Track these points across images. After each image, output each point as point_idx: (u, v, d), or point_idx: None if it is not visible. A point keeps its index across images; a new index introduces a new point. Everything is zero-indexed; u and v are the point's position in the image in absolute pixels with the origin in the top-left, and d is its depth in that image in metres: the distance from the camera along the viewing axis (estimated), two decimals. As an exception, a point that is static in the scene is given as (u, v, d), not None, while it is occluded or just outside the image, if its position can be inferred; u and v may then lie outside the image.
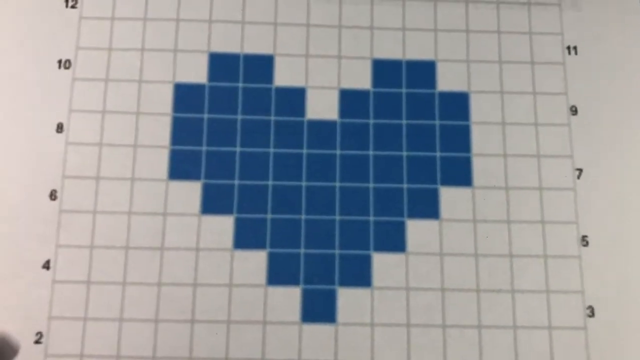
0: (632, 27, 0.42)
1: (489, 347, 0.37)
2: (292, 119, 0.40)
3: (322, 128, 0.40)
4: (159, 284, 0.38)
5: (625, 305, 0.38)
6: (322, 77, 0.41)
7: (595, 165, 0.40)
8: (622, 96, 0.41)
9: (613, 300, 0.38)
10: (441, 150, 0.40)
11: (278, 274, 0.38)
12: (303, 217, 0.39)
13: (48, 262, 0.38)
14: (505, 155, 0.40)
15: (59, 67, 0.40)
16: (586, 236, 0.39)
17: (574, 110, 0.41)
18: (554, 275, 0.39)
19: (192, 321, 0.37)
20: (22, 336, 0.37)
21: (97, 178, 0.39)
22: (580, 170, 0.40)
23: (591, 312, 0.38)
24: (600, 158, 0.40)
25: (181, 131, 0.40)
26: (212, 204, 0.39)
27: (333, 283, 0.38)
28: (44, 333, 0.37)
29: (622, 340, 0.38)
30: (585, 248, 0.39)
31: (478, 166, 0.40)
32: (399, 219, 0.39)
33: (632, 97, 0.41)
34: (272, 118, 0.40)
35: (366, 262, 0.38)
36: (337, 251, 0.38)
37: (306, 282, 0.38)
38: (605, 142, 0.41)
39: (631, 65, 0.42)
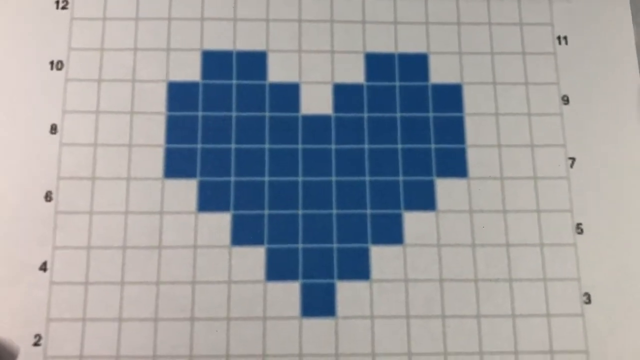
0: (621, 16, 0.43)
1: (488, 336, 0.38)
2: (286, 114, 0.40)
3: (316, 123, 0.40)
4: (158, 283, 0.38)
5: (621, 291, 0.38)
6: (316, 72, 0.41)
7: (588, 153, 0.41)
8: (613, 85, 0.42)
9: (609, 286, 0.39)
10: (436, 142, 0.40)
11: (277, 270, 0.38)
12: (300, 212, 0.39)
13: (45, 263, 0.38)
14: (499, 146, 0.40)
15: (52, 68, 0.40)
16: (580, 224, 0.39)
17: (565, 100, 0.41)
18: (551, 263, 0.39)
19: (192, 319, 0.37)
20: (20, 339, 0.36)
21: (93, 178, 0.39)
22: (573, 159, 0.40)
23: (587, 298, 0.38)
24: (592, 146, 0.41)
25: (176, 129, 0.40)
26: (208, 202, 0.39)
27: (332, 277, 0.38)
28: (43, 335, 0.37)
29: (618, 325, 0.38)
30: (580, 235, 0.39)
31: (473, 157, 0.40)
32: (395, 211, 0.39)
33: (622, 86, 0.42)
34: (267, 114, 0.40)
35: (364, 255, 0.38)
36: (335, 245, 0.38)
37: (305, 276, 0.38)
38: (597, 130, 0.41)
39: (620, 54, 0.42)
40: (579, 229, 0.39)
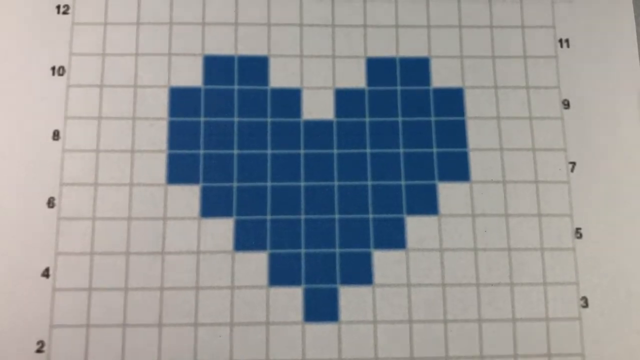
0: (623, 19, 0.43)
1: (489, 340, 0.38)
2: (288, 119, 0.40)
3: (318, 128, 0.40)
4: (161, 289, 0.38)
5: (618, 295, 0.39)
6: (317, 77, 0.41)
7: (588, 158, 0.41)
8: (614, 88, 0.42)
9: (606, 291, 0.39)
10: (438, 146, 0.40)
11: (279, 275, 0.38)
12: (302, 217, 0.39)
13: (47, 270, 0.38)
14: (501, 150, 0.40)
15: (53, 74, 0.40)
16: (580, 228, 0.40)
17: (566, 104, 0.41)
18: (550, 267, 0.39)
19: (195, 324, 0.37)
20: (23, 345, 0.37)
21: (95, 184, 0.39)
22: (574, 163, 0.41)
23: (585, 302, 0.39)
24: (592, 151, 0.41)
25: (178, 135, 0.40)
26: (211, 207, 0.39)
27: (334, 282, 0.38)
28: (46, 342, 0.37)
29: (615, 329, 0.38)
30: (579, 240, 0.39)
31: (475, 161, 0.40)
32: (398, 215, 0.39)
33: (624, 89, 0.42)
34: (269, 119, 0.40)
35: (367, 260, 0.39)
36: (337, 250, 0.39)
37: (308, 281, 0.38)
38: (598, 134, 0.41)
39: (622, 58, 0.42)
40: (578, 233, 0.40)
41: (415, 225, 0.39)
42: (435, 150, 0.40)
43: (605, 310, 0.38)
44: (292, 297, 0.38)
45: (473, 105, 0.41)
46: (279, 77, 0.41)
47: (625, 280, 0.39)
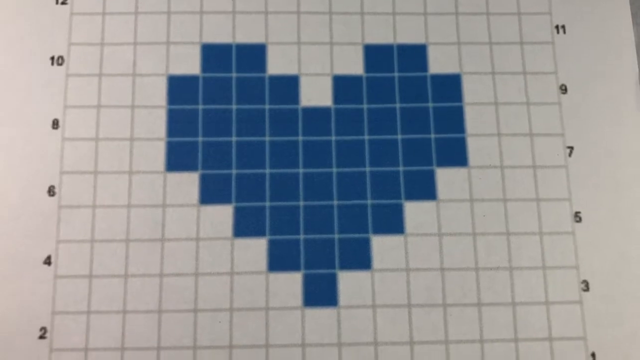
0: (619, 4, 0.43)
1: (488, 324, 0.38)
2: (286, 106, 0.40)
3: (316, 115, 0.40)
4: (161, 275, 0.38)
5: (619, 278, 0.39)
6: (315, 64, 0.41)
7: (586, 142, 0.41)
8: (611, 73, 0.42)
9: (607, 274, 0.39)
10: (436, 132, 0.40)
11: (279, 260, 0.38)
12: (301, 203, 0.39)
13: (49, 257, 0.38)
14: (499, 135, 0.41)
15: (52, 63, 0.40)
16: (579, 212, 0.40)
17: (564, 89, 0.41)
18: (550, 251, 0.39)
19: (195, 310, 0.38)
20: (26, 332, 0.37)
21: (95, 172, 0.39)
22: (572, 148, 0.41)
23: (586, 286, 0.39)
24: (590, 135, 0.41)
25: (177, 123, 0.40)
26: (210, 194, 0.39)
27: (333, 267, 0.38)
28: (48, 328, 0.37)
29: (616, 312, 0.38)
30: (578, 224, 0.40)
31: (473, 146, 0.40)
32: (396, 201, 0.39)
33: (620, 74, 0.42)
34: (267, 107, 0.40)
35: (366, 245, 0.39)
36: (336, 235, 0.39)
37: (307, 267, 0.38)
38: (595, 119, 0.41)
39: (619, 43, 0.42)
40: (577, 217, 0.40)
41: (414, 211, 0.39)
42: (433, 136, 0.40)
43: (606, 294, 0.38)
44: (291, 283, 0.38)
45: (470, 91, 0.41)
46: (277, 64, 0.41)
47: (626, 263, 0.39)
